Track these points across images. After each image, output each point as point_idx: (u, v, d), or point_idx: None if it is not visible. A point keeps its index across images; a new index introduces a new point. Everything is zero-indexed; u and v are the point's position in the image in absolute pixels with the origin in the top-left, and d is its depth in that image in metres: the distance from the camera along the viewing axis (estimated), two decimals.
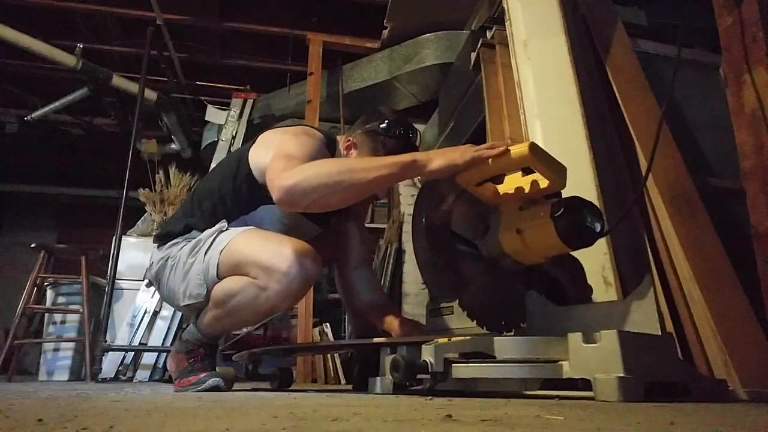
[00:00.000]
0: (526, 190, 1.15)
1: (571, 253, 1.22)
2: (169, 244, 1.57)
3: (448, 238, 1.19)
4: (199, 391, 1.39)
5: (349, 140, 1.59)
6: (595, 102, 1.80)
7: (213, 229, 1.50)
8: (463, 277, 1.17)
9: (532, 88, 1.73)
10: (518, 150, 1.09)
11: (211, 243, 1.47)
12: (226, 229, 1.49)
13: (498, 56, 2.35)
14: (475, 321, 1.13)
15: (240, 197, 1.56)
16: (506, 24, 1.92)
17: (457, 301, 1.17)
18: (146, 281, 3.25)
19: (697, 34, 2.06)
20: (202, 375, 1.42)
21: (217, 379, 1.40)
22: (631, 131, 1.71)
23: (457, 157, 1.18)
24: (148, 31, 3.83)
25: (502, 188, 1.20)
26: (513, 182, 1.18)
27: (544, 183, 1.12)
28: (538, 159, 1.08)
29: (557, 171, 1.12)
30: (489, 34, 2.46)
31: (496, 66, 2.36)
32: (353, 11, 4.02)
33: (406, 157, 1.26)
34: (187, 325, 1.57)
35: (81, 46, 4.05)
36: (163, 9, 3.78)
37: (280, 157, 1.38)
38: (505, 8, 1.92)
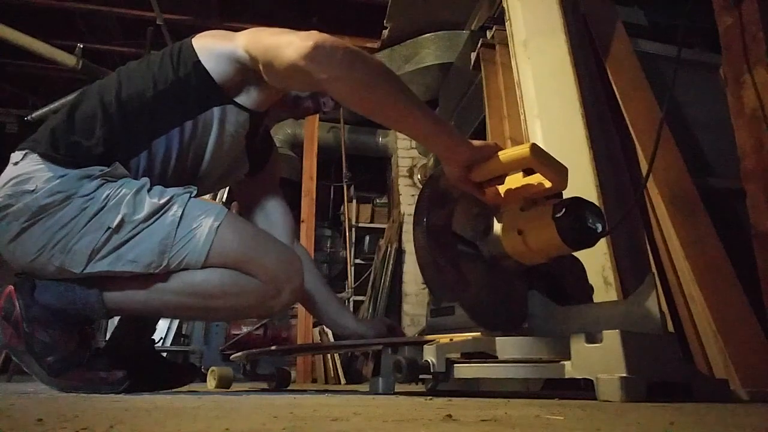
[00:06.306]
0: (527, 191, 1.15)
1: (572, 253, 1.22)
2: (78, 174, 1.13)
3: (450, 239, 1.19)
4: None
5: None
6: (595, 102, 1.80)
7: (174, 190, 1.17)
8: (464, 277, 1.17)
9: (532, 88, 1.73)
10: (519, 151, 1.09)
11: (182, 213, 1.13)
12: (192, 195, 1.18)
13: (498, 56, 2.36)
14: (475, 321, 1.13)
15: (183, 97, 1.21)
16: (506, 24, 1.93)
17: (458, 301, 1.17)
18: None
19: (697, 34, 2.06)
20: None
21: None
22: (631, 131, 1.71)
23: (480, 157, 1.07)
24: (148, 31, 3.83)
25: (502, 189, 1.20)
26: (514, 183, 1.18)
27: (545, 184, 1.12)
28: (539, 159, 1.08)
29: (558, 171, 1.12)
30: (489, 34, 2.46)
31: (496, 66, 2.36)
32: (353, 11, 4.03)
33: (455, 141, 1.06)
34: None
35: (81, 46, 4.04)
36: (163, 9, 3.78)
37: (272, 31, 1.10)
38: (505, 8, 1.92)
